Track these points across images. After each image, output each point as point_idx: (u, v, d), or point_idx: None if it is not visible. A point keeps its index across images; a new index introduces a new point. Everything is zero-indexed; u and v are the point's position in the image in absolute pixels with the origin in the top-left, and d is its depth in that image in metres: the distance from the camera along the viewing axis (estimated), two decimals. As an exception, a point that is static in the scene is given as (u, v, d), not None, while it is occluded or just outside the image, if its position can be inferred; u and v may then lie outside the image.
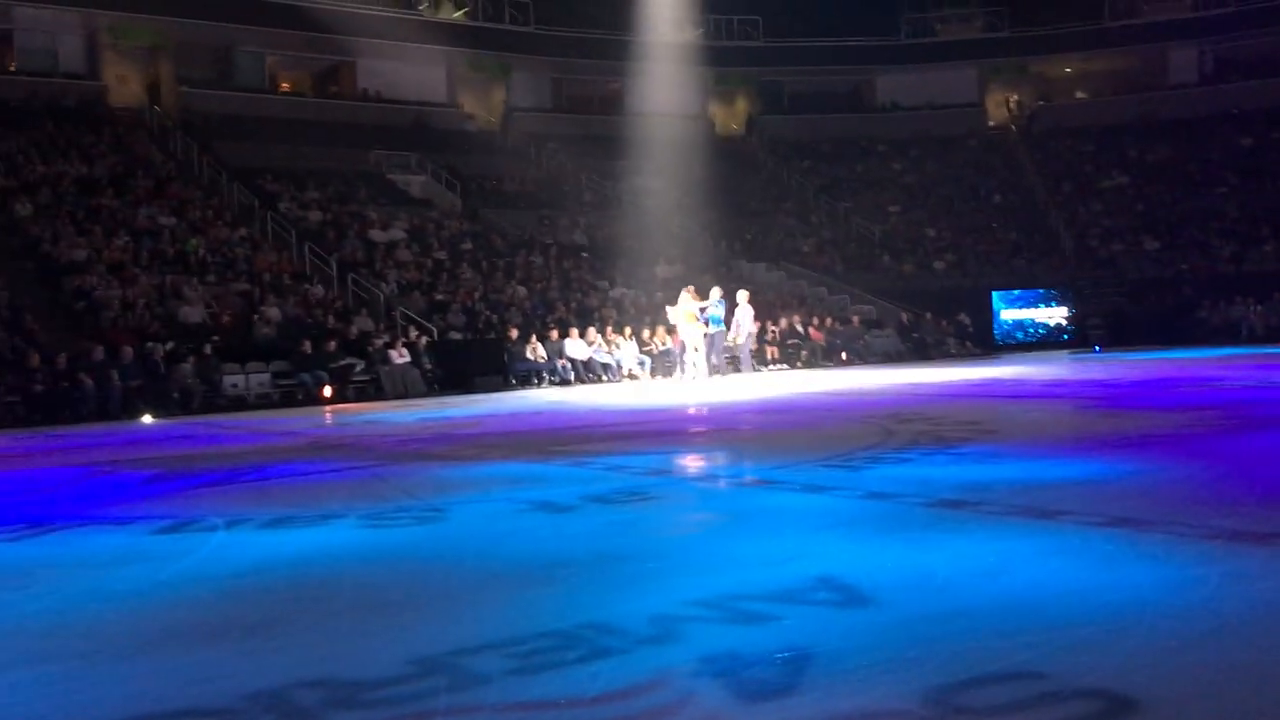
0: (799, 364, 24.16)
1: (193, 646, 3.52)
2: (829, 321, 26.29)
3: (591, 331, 22.30)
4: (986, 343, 28.64)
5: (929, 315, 27.82)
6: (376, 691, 2.92)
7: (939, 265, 32.52)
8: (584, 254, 29.00)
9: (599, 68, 38.05)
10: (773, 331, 24.80)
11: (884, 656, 3.03)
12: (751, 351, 21.58)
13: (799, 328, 25.35)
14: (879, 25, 40.06)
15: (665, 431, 10.63)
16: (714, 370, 19.91)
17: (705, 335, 19.82)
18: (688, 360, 20.15)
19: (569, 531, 5.27)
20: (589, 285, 26.91)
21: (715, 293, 20.57)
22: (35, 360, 16.93)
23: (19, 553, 5.45)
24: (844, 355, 24.99)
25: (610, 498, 6.18)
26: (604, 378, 21.52)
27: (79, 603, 4.31)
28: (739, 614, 3.53)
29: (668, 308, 21.01)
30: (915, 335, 27.15)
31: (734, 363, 21.23)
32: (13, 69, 30.56)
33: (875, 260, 32.83)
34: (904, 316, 27.89)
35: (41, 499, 7.64)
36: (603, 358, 21.95)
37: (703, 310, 19.93)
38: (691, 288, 20.71)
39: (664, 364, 22.34)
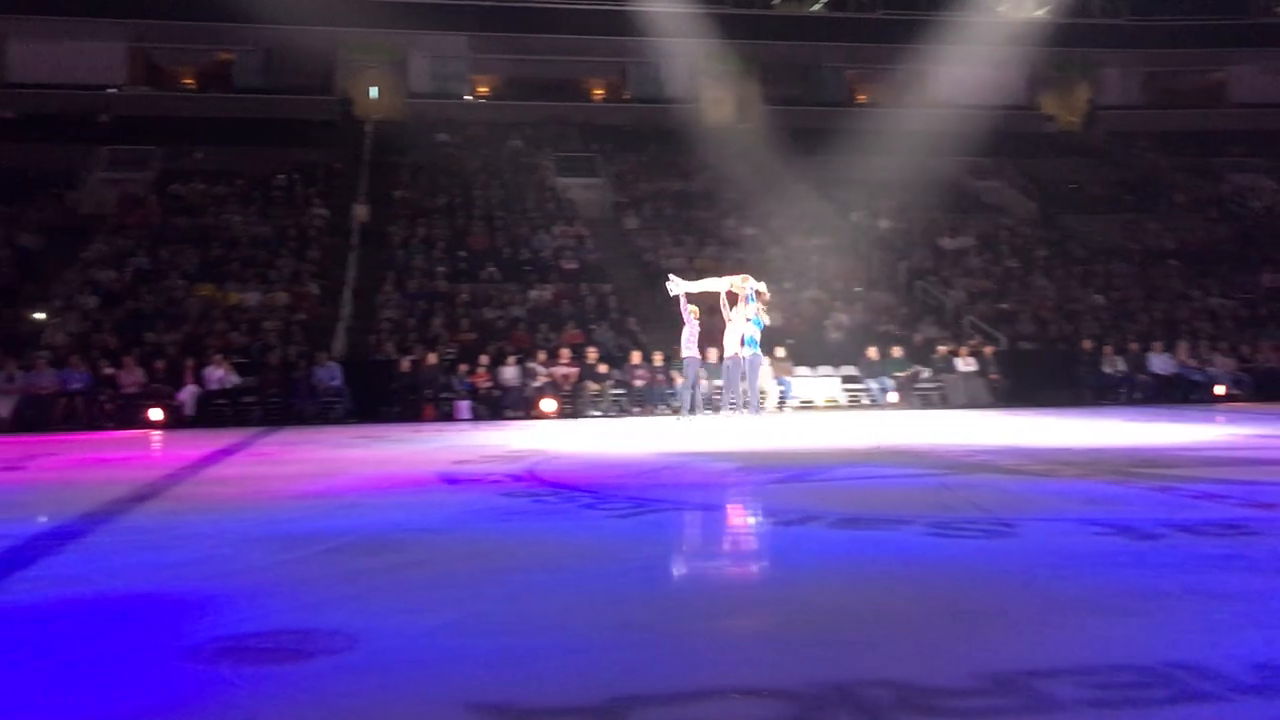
0: None
1: (768, 632, 3.76)
2: None
3: (1180, 345, 20.43)
4: None
5: None
6: (948, 700, 2.91)
7: None
8: (1173, 260, 26.60)
9: (1201, 57, 34.74)
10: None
11: None
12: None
13: None
14: None
15: (1269, 460, 9.43)
16: (750, 404, 14.94)
17: (743, 358, 14.73)
18: (685, 392, 15.63)
19: (1153, 561, 4.87)
20: (1178, 294, 24.65)
21: (753, 306, 14.66)
22: (637, 358, 19.03)
23: (623, 529, 6.14)
24: None
25: (1202, 529, 5.61)
26: (1190, 396, 19.61)
27: (666, 578, 4.77)
28: (1371, 679, 3.05)
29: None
30: None
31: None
32: (626, 97, 34.57)
33: None
34: None
35: (640, 483, 8.53)
36: (1191, 374, 20.00)
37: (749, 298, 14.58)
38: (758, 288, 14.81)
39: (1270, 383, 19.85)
